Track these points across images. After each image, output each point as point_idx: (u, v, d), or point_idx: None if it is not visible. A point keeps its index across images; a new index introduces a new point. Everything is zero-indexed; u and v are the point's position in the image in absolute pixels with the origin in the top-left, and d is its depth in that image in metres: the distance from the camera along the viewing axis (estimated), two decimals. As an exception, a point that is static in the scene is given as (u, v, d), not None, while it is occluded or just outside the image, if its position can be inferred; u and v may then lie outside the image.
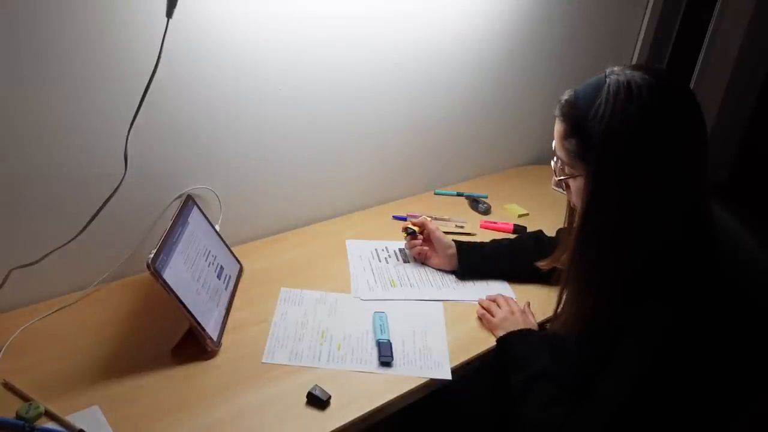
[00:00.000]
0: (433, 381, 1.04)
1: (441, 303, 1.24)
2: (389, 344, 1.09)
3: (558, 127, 0.92)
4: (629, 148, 0.82)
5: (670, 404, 0.84)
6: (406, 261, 1.38)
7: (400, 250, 1.42)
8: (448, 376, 1.05)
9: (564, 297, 0.97)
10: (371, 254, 1.40)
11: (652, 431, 0.86)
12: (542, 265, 1.12)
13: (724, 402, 0.93)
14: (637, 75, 0.83)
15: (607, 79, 0.84)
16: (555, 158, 0.95)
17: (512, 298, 1.22)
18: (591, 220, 0.88)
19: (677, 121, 0.83)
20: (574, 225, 0.93)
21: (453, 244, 1.33)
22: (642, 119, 0.81)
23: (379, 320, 1.15)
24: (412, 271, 1.35)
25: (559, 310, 1.00)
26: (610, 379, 0.87)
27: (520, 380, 1.00)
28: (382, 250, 1.42)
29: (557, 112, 0.92)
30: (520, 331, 1.10)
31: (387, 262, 1.37)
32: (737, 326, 0.88)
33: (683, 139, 0.83)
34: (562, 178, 0.94)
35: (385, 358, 1.06)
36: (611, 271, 0.88)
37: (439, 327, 1.17)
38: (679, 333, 0.83)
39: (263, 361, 1.05)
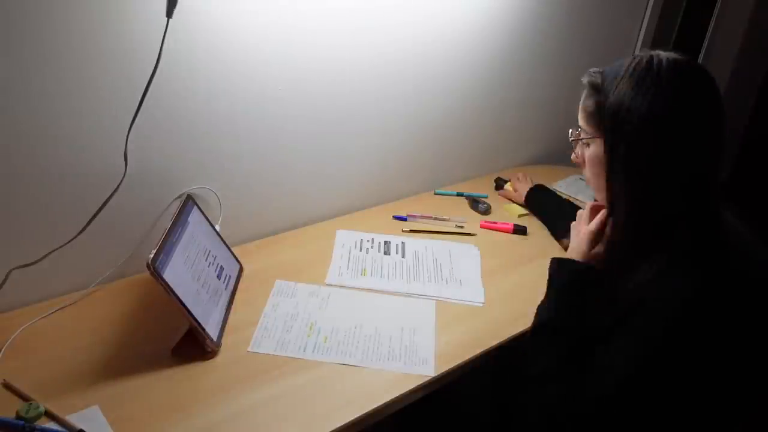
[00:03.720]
0: (432, 380, 1.04)
1: (434, 302, 1.24)
2: None
3: (582, 95, 0.98)
4: (640, 112, 0.86)
5: (678, 386, 0.84)
6: (386, 253, 1.39)
7: (385, 242, 1.43)
8: (432, 373, 1.05)
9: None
10: (354, 244, 1.42)
11: (653, 413, 0.85)
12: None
13: (734, 392, 0.92)
14: (662, 53, 0.89)
15: (636, 56, 0.91)
16: (577, 128, 1.00)
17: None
18: (612, 181, 0.92)
19: (687, 91, 0.86)
20: (595, 193, 1.00)
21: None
22: (655, 86, 0.86)
23: None
24: (390, 263, 1.36)
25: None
26: (614, 353, 0.87)
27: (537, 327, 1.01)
28: (368, 240, 1.44)
29: (584, 78, 0.97)
30: (560, 260, 1.06)
31: (367, 252, 1.39)
32: (750, 313, 0.88)
33: (693, 110, 0.86)
34: (579, 139, 0.99)
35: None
36: (639, 227, 0.91)
37: (428, 325, 1.17)
38: (695, 309, 0.82)
39: (249, 350, 1.07)
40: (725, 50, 2.34)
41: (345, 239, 1.44)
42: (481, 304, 1.24)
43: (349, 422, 0.94)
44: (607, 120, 0.90)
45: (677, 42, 2.25)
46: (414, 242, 1.45)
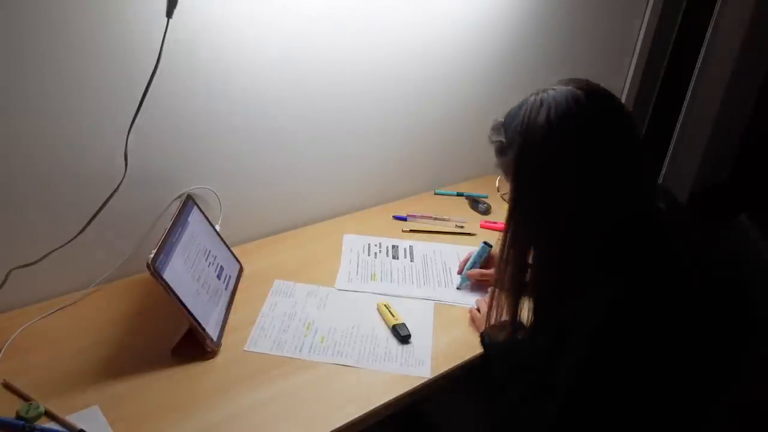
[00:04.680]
0: (429, 382, 1.04)
1: (433, 303, 1.24)
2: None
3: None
4: (543, 140, 0.87)
5: (619, 387, 0.86)
6: (395, 257, 1.38)
7: (393, 246, 1.42)
8: (428, 375, 1.05)
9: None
10: (362, 248, 1.41)
11: (606, 416, 0.88)
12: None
13: (686, 388, 0.94)
14: (554, 88, 0.90)
15: (525, 99, 0.93)
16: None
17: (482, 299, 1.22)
18: (512, 223, 0.94)
19: (591, 117, 0.86)
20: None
21: None
22: (554, 115, 0.86)
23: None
24: (398, 267, 1.36)
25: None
26: (561, 369, 0.89)
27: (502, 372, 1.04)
28: (375, 245, 1.43)
29: (490, 131, 1.01)
30: (485, 331, 1.11)
31: (375, 257, 1.38)
32: (687, 313, 0.89)
33: (599, 135, 0.86)
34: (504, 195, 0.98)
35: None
36: (555, 265, 0.92)
37: (426, 327, 1.17)
38: (619, 314, 0.84)
39: (245, 349, 1.07)
40: (725, 50, 2.34)
41: (353, 244, 1.43)
42: None
43: (348, 422, 0.94)
44: (512, 171, 0.91)
45: (677, 42, 2.25)
46: (422, 246, 1.45)
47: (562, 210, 0.87)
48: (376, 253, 1.40)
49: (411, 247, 1.44)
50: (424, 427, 1.23)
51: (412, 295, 1.26)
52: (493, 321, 1.08)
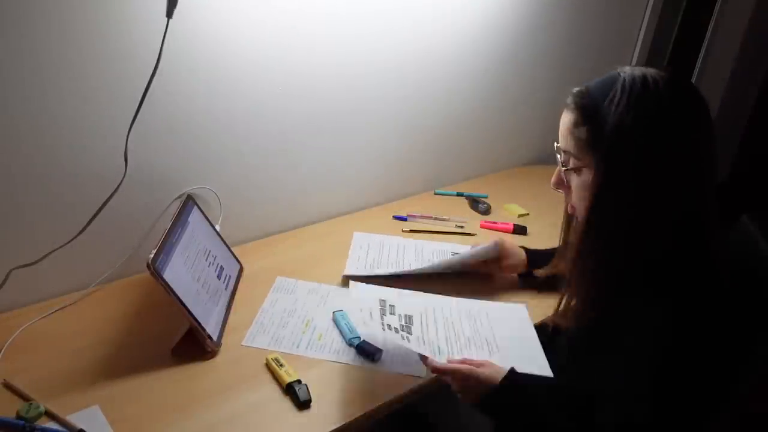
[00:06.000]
0: (428, 381, 1.04)
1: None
2: (365, 342, 1.08)
3: (567, 118, 0.90)
4: (644, 138, 0.81)
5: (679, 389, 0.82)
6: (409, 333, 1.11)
7: (408, 316, 1.13)
8: (424, 374, 1.04)
9: (566, 296, 0.97)
10: (370, 244, 1.43)
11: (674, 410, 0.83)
12: (540, 273, 1.14)
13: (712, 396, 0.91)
14: (651, 71, 0.84)
15: (622, 74, 0.85)
16: (560, 152, 0.93)
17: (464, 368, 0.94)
18: (599, 212, 0.87)
19: (690, 115, 0.83)
20: (579, 219, 0.92)
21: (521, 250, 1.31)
22: (658, 111, 0.81)
23: (342, 319, 1.14)
24: (409, 255, 1.39)
25: (561, 308, 0.99)
26: (618, 374, 0.85)
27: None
28: (385, 243, 1.44)
29: (569, 101, 0.90)
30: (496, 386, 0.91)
31: (388, 251, 1.41)
32: (732, 327, 0.87)
33: (695, 134, 0.83)
34: (569, 167, 0.91)
35: (375, 355, 1.06)
36: (617, 264, 0.87)
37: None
38: (675, 322, 0.82)
39: (243, 343, 1.08)
40: (725, 50, 2.34)
41: (362, 240, 1.44)
42: None
43: (348, 422, 0.94)
44: (605, 150, 0.84)
45: (677, 42, 2.25)
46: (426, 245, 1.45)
47: (648, 196, 0.83)
48: (388, 248, 1.43)
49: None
50: (423, 427, 1.23)
51: (415, 269, 1.28)
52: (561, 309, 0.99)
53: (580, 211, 0.92)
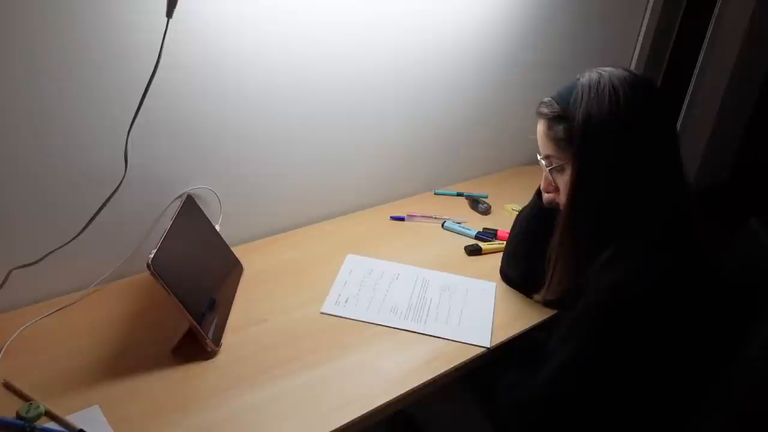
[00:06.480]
0: (428, 382, 1.04)
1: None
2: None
3: (541, 125, 1.02)
4: (608, 123, 0.92)
5: (616, 366, 0.92)
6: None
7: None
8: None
9: (551, 273, 1.06)
10: (362, 271, 1.32)
11: (598, 393, 0.93)
12: (537, 299, 1.21)
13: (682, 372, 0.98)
14: (606, 69, 0.96)
15: (581, 77, 0.97)
16: (543, 159, 1.04)
17: None
18: (579, 190, 0.97)
19: (645, 100, 0.94)
20: (562, 208, 1.03)
21: None
22: (616, 98, 0.92)
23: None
24: (398, 295, 1.25)
25: (547, 284, 1.08)
26: (556, 339, 0.96)
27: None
28: (375, 271, 1.32)
29: (539, 110, 1.02)
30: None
31: (378, 280, 1.29)
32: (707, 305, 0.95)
33: (649, 116, 0.94)
34: (553, 166, 1.02)
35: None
36: (593, 243, 0.96)
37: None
38: (627, 292, 0.90)
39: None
40: (725, 50, 2.34)
41: (352, 265, 1.33)
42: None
43: (348, 422, 0.94)
44: (578, 140, 0.95)
45: (677, 42, 2.26)
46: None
47: (622, 177, 0.94)
48: (378, 277, 1.30)
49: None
50: (410, 428, 1.23)
51: (403, 327, 1.16)
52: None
53: (567, 195, 1.01)
